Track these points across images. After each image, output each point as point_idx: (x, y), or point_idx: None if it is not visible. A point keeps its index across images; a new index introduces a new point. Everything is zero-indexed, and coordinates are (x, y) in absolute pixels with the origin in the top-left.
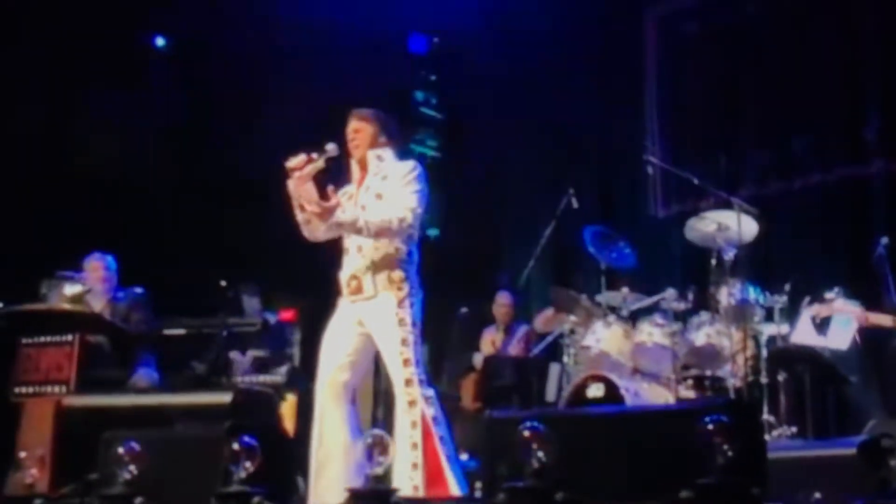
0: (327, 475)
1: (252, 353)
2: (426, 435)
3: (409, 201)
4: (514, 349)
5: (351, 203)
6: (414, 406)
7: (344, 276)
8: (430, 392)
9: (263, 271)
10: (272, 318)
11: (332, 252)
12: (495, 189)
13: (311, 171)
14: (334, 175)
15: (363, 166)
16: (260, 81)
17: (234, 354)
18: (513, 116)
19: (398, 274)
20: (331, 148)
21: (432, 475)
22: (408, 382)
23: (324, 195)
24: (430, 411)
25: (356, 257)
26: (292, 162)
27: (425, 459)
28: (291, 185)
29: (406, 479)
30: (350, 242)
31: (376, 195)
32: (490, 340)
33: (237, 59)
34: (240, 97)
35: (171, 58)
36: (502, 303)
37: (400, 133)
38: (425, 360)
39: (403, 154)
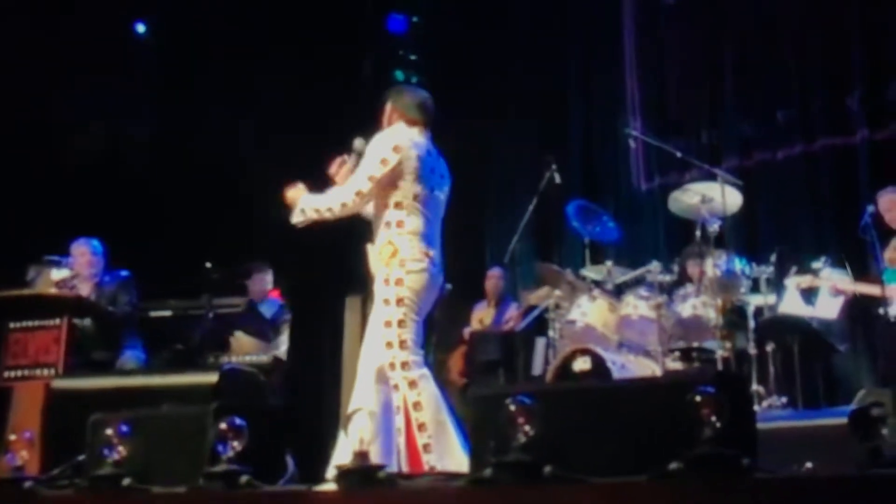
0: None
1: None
2: (407, 422)
3: (360, 173)
4: (509, 324)
5: None
6: (397, 391)
7: None
8: (415, 375)
9: (248, 252)
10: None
11: (315, 233)
12: (477, 166)
13: (347, 173)
14: None
15: None
16: (244, 64)
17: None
18: (493, 92)
19: (387, 249)
20: (358, 144)
21: (412, 463)
22: (390, 366)
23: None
24: (412, 396)
25: (370, 230)
26: (332, 168)
27: (407, 446)
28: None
29: (395, 465)
30: None
31: None
32: (479, 318)
33: (222, 39)
34: (224, 79)
35: (155, 39)
36: (493, 275)
37: (419, 105)
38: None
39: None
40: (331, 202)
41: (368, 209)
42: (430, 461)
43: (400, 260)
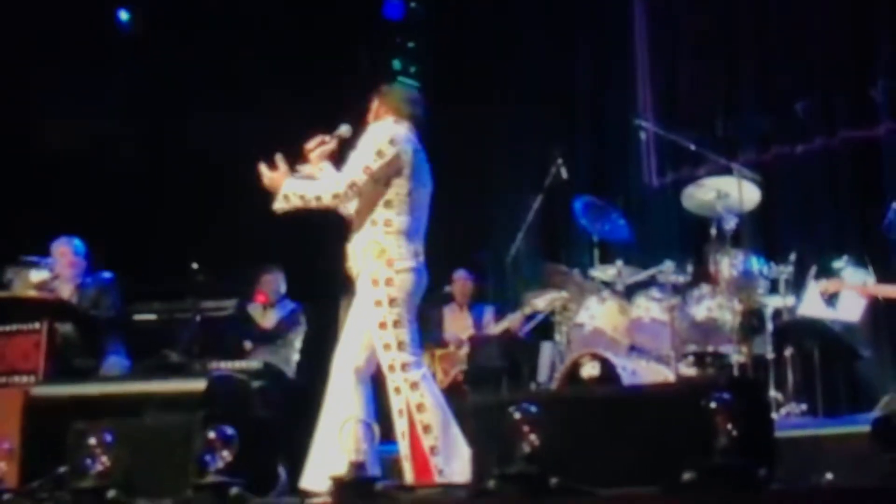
0: (319, 458)
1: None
2: (411, 424)
3: (354, 164)
4: (496, 329)
5: None
6: (399, 394)
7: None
8: (417, 376)
9: (234, 253)
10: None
11: (312, 229)
12: (478, 161)
13: (322, 153)
14: None
15: None
16: (234, 52)
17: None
18: (496, 83)
19: (374, 247)
20: (343, 129)
21: (419, 467)
22: (390, 368)
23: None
24: (415, 398)
25: (350, 228)
26: (309, 144)
27: (412, 450)
28: (306, 168)
29: (404, 470)
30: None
31: None
32: (453, 321)
33: (210, 32)
34: (213, 69)
35: (138, 32)
36: (459, 277)
37: (410, 102)
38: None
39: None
40: (320, 190)
41: (348, 206)
42: (437, 464)
43: (388, 259)
